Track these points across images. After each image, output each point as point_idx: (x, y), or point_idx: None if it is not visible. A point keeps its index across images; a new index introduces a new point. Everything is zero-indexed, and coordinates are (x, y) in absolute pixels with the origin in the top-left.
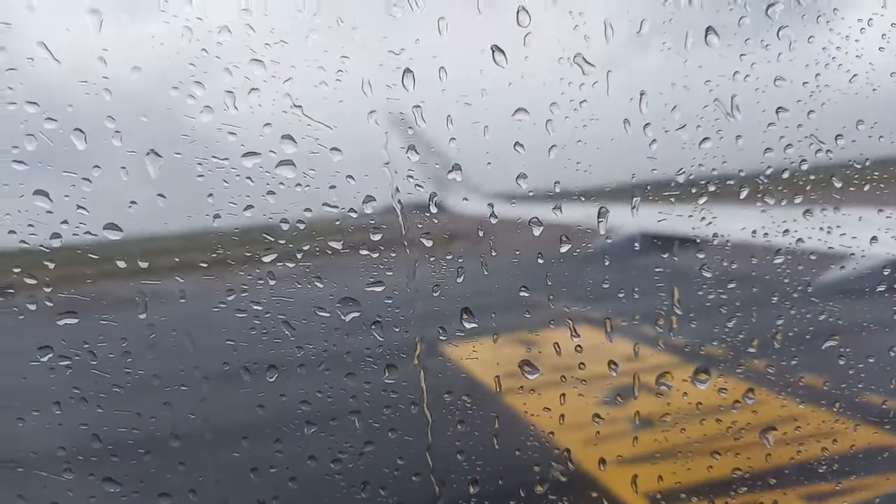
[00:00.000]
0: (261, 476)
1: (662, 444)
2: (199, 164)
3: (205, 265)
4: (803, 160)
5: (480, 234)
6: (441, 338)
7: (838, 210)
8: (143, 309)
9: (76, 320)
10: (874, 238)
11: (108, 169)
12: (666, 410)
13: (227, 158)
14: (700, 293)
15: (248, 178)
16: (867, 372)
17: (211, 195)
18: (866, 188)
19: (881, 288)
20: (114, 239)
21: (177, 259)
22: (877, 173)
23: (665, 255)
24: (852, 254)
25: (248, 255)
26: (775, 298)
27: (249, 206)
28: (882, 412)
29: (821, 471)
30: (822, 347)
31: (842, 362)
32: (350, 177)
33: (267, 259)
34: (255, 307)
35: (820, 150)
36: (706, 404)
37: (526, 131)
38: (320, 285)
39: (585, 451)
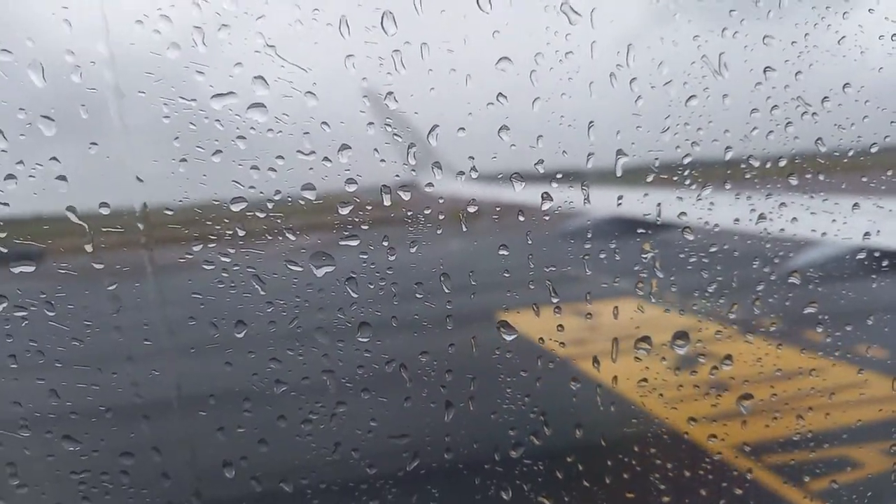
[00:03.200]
0: (228, 436)
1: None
2: (165, 104)
3: (170, 212)
4: (788, 122)
5: (461, 180)
6: (418, 294)
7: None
8: (101, 260)
9: (32, 268)
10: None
11: (67, 107)
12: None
13: (194, 99)
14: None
15: (216, 120)
16: None
17: (177, 138)
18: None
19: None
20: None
21: (143, 205)
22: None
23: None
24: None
25: (216, 202)
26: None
27: (218, 151)
28: None
29: None
30: None
31: None
32: (325, 123)
33: (236, 208)
34: (222, 258)
35: (806, 112)
36: None
37: (509, 81)
38: (292, 237)
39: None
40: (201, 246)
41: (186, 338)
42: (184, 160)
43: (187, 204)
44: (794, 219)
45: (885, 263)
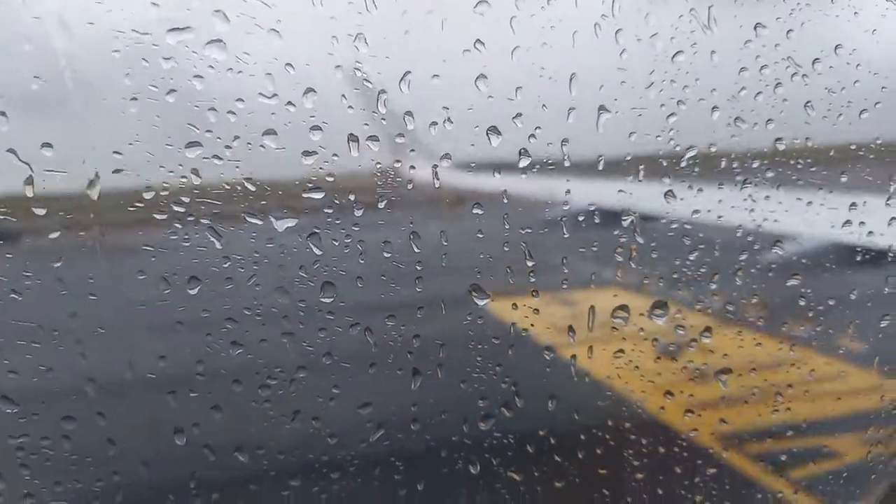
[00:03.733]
0: (179, 401)
1: None
2: (116, 37)
3: (119, 156)
4: (778, 83)
5: (433, 132)
6: (385, 253)
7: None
8: (41, 205)
9: None
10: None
11: (4, 36)
12: None
13: (148, 33)
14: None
15: (171, 56)
16: None
17: (128, 74)
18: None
19: None
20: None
21: (91, 148)
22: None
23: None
24: None
25: (169, 146)
26: None
27: (172, 91)
28: None
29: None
30: None
31: None
32: (289, 64)
33: (191, 154)
34: (175, 208)
35: (796, 73)
36: None
37: (488, 27)
38: (251, 187)
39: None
40: (153, 194)
41: (135, 294)
42: (134, 99)
43: (138, 147)
44: (779, 185)
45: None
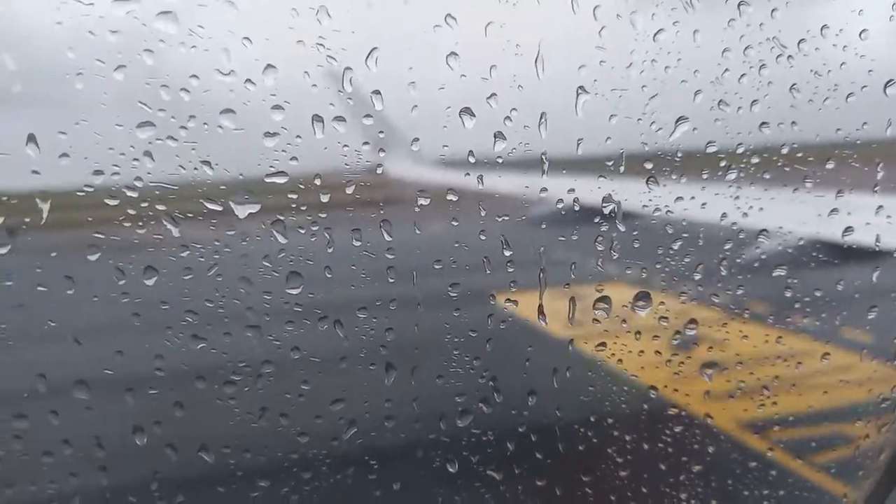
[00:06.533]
0: (138, 398)
1: None
2: (58, 8)
3: (63, 135)
4: (763, 64)
5: (402, 112)
6: (355, 242)
7: None
8: None
9: None
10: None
11: None
12: None
13: (92, 3)
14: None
15: (118, 29)
16: None
17: (71, 49)
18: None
19: None
20: None
21: (33, 129)
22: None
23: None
24: None
25: (119, 126)
26: None
27: (121, 66)
28: None
29: None
30: None
31: None
32: (247, 38)
33: (142, 135)
34: (128, 193)
35: (781, 55)
36: None
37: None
38: (209, 171)
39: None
40: (102, 178)
41: (88, 287)
42: (80, 74)
43: (85, 127)
44: (766, 174)
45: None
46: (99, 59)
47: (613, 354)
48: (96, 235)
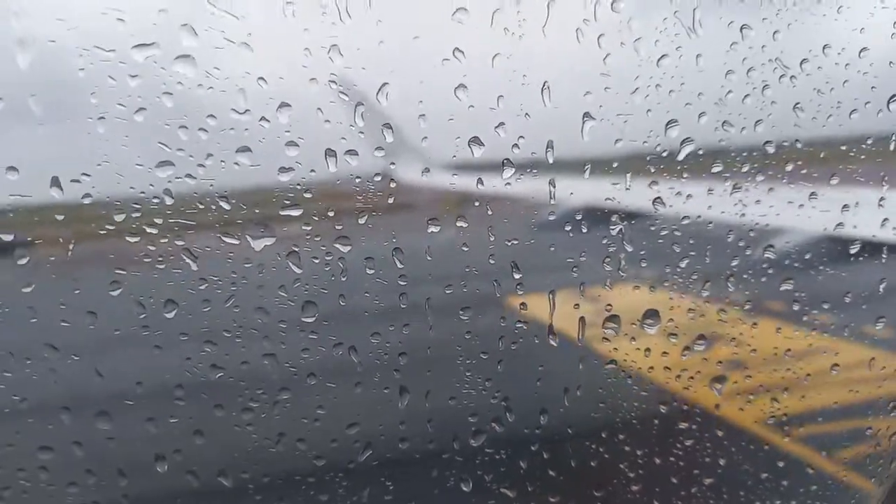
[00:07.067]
0: (159, 427)
1: None
2: (80, 55)
3: (88, 177)
4: (766, 85)
5: (413, 144)
6: (368, 270)
7: None
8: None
9: None
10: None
11: None
12: None
13: (113, 50)
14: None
15: (138, 74)
16: None
17: (94, 93)
18: None
19: None
20: None
21: (58, 171)
22: None
23: None
24: None
25: (139, 166)
26: None
27: (141, 109)
28: None
29: None
30: None
31: None
32: (262, 79)
33: (162, 174)
34: (148, 230)
35: (784, 75)
36: None
37: (467, 35)
38: (226, 206)
39: None
40: (123, 216)
41: (110, 319)
42: (102, 118)
43: (106, 168)
44: (771, 189)
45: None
46: (120, 102)
47: (624, 371)
48: (118, 271)
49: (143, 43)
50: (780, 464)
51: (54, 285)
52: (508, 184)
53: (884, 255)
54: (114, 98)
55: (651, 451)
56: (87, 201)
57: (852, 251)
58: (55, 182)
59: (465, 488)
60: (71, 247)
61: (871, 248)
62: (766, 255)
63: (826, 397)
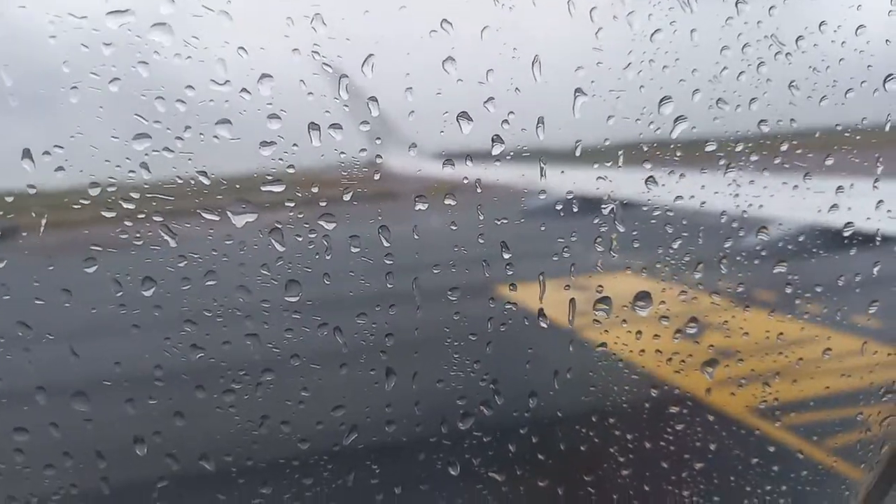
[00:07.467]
0: (138, 408)
1: None
2: (51, 22)
3: (60, 149)
4: (761, 62)
5: (399, 118)
6: (353, 248)
7: None
8: None
9: None
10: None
11: None
12: None
13: (85, 17)
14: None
15: (112, 42)
16: None
17: (66, 62)
18: None
19: None
20: None
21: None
22: None
23: None
24: None
25: (114, 139)
26: None
27: (116, 79)
28: None
29: None
30: None
31: None
32: (242, 48)
33: (139, 146)
34: (125, 205)
35: (780, 52)
36: None
37: (455, 6)
38: (205, 181)
39: None
40: (99, 190)
41: (85, 297)
42: (75, 88)
43: (80, 140)
44: (765, 169)
45: None
46: (94, 72)
47: (615, 354)
48: (93, 248)
49: (117, 10)
50: (771, 449)
51: (27, 261)
52: (498, 161)
53: (878, 239)
54: (87, 67)
55: (641, 436)
56: (59, 174)
57: (846, 234)
58: (26, 154)
59: (452, 472)
60: (44, 222)
61: (866, 231)
62: (759, 238)
63: (817, 382)
